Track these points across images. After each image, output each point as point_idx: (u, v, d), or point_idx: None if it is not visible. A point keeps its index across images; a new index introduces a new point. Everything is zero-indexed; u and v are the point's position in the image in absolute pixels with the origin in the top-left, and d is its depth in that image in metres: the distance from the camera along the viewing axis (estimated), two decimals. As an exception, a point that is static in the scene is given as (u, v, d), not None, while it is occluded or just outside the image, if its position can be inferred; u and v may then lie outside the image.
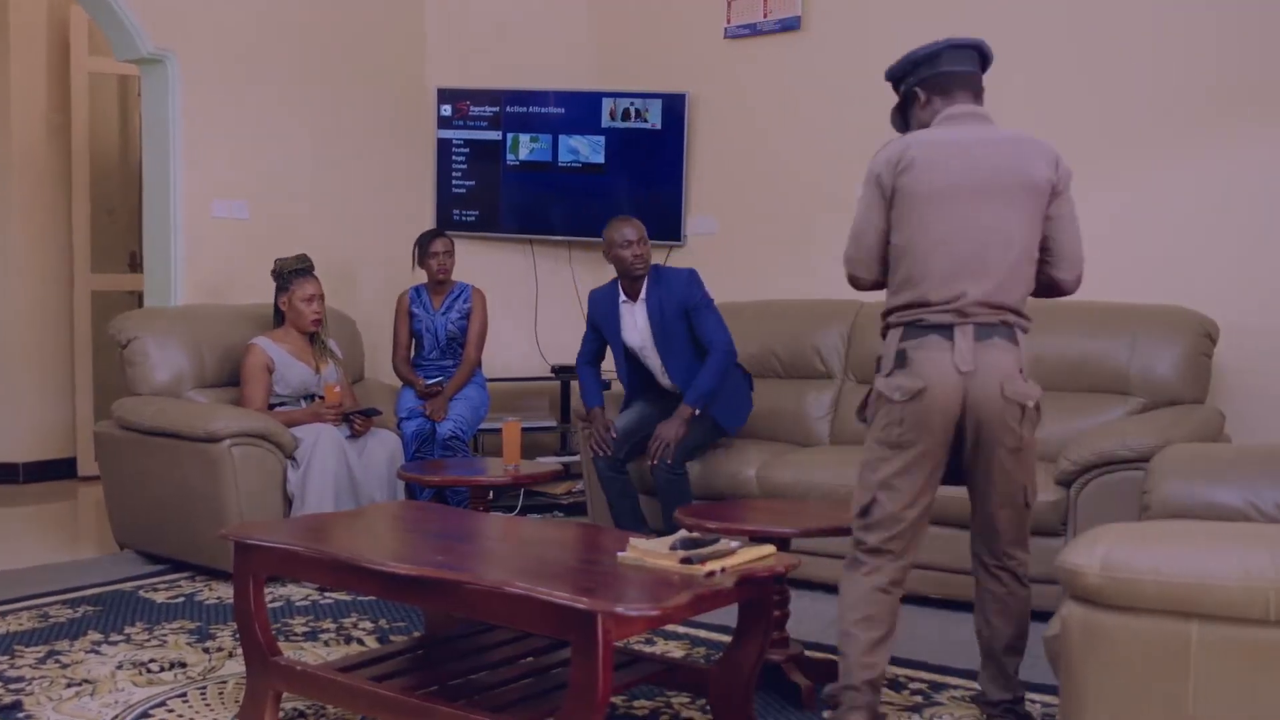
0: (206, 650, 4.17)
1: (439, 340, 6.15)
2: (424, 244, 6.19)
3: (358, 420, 5.39)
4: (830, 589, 4.93)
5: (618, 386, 5.73)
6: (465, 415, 5.97)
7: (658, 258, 6.81)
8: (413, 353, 6.29)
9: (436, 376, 6.13)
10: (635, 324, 5.38)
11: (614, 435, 5.25)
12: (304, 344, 5.57)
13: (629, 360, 5.48)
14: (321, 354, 5.60)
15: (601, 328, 5.49)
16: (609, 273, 5.54)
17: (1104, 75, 5.49)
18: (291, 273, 5.57)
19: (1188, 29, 5.30)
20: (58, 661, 4.02)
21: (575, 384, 6.99)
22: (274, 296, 5.63)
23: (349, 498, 5.23)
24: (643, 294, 5.33)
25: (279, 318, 5.61)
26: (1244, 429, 5.04)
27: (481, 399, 6.17)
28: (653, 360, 5.40)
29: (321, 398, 5.53)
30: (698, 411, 5.12)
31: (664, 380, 5.41)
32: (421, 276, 6.36)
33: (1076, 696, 2.59)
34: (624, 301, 5.39)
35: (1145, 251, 5.38)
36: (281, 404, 5.45)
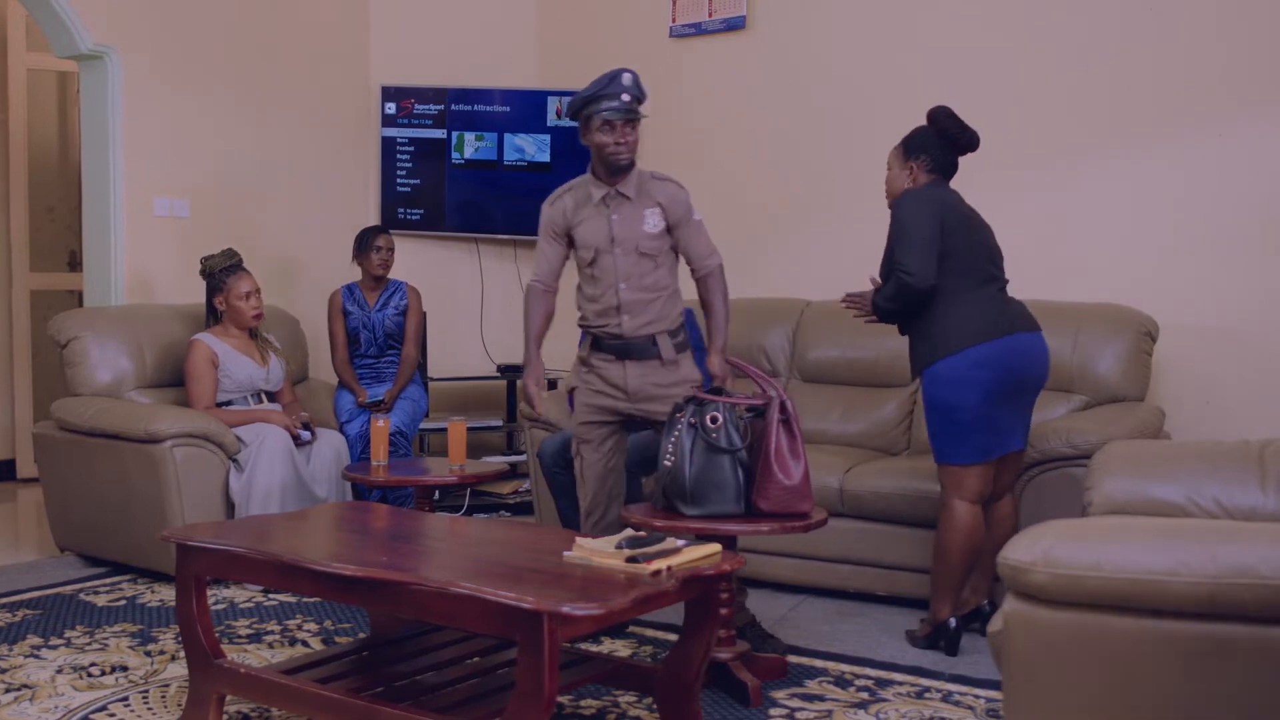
0: (149, 653, 4.12)
1: (377, 337, 6.10)
2: (366, 238, 6.14)
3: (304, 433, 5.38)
4: (777, 586, 4.96)
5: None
6: (407, 412, 5.94)
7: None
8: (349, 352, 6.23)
9: (373, 383, 6.07)
10: None
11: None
12: (246, 339, 5.51)
13: None
14: (264, 348, 5.55)
15: None
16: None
17: (1037, 77, 5.54)
18: (223, 270, 5.50)
19: (1123, 30, 5.35)
20: (-4, 666, 3.97)
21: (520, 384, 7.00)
22: (206, 296, 5.56)
23: (295, 499, 5.18)
24: None
25: (213, 317, 5.55)
26: (1183, 426, 5.11)
27: (420, 395, 6.15)
28: None
29: (269, 395, 5.49)
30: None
31: None
32: (357, 274, 6.29)
33: (1020, 691, 2.61)
34: None
35: (1085, 251, 5.43)
36: (228, 403, 5.40)
